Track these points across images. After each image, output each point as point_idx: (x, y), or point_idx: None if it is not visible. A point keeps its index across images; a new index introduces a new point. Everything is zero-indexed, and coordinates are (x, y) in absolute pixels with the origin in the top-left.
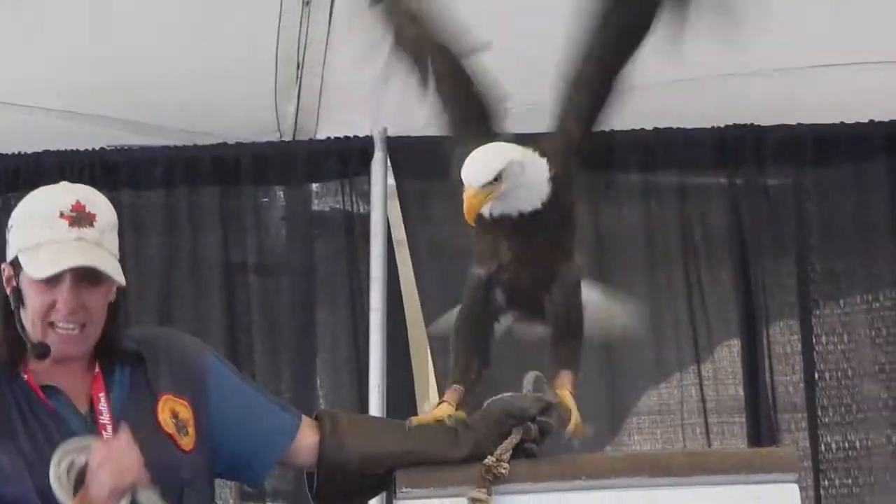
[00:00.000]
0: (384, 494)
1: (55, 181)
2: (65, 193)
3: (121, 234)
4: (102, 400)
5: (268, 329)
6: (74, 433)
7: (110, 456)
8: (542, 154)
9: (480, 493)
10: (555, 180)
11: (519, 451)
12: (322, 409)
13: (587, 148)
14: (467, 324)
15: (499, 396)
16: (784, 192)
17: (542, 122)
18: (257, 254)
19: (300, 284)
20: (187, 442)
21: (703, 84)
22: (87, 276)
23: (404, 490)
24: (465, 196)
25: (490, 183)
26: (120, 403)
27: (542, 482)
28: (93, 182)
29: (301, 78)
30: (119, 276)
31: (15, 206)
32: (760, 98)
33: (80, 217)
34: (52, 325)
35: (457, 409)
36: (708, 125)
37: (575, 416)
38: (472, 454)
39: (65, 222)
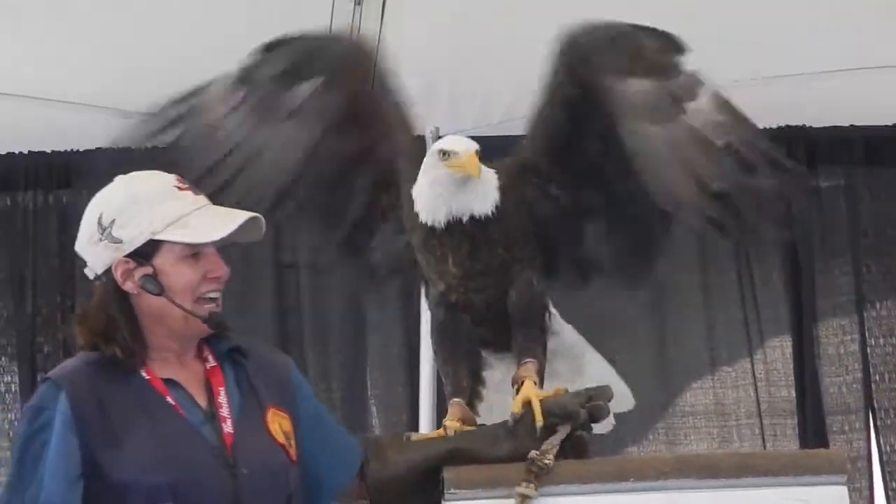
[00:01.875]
0: None
1: (108, 178)
2: (157, 174)
3: None
4: (222, 393)
5: (319, 328)
6: (195, 427)
7: None
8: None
9: (527, 489)
10: (504, 191)
11: (568, 446)
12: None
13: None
14: (443, 339)
15: (520, 415)
16: (836, 193)
17: None
18: (308, 251)
19: (351, 282)
20: (293, 454)
21: (754, 86)
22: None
23: (452, 491)
24: (465, 158)
25: (477, 152)
26: (235, 403)
27: (590, 483)
28: None
29: None
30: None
31: (68, 202)
32: (812, 100)
33: (193, 186)
34: (198, 299)
35: (462, 423)
36: (760, 126)
37: (536, 409)
38: (517, 452)
39: (188, 192)
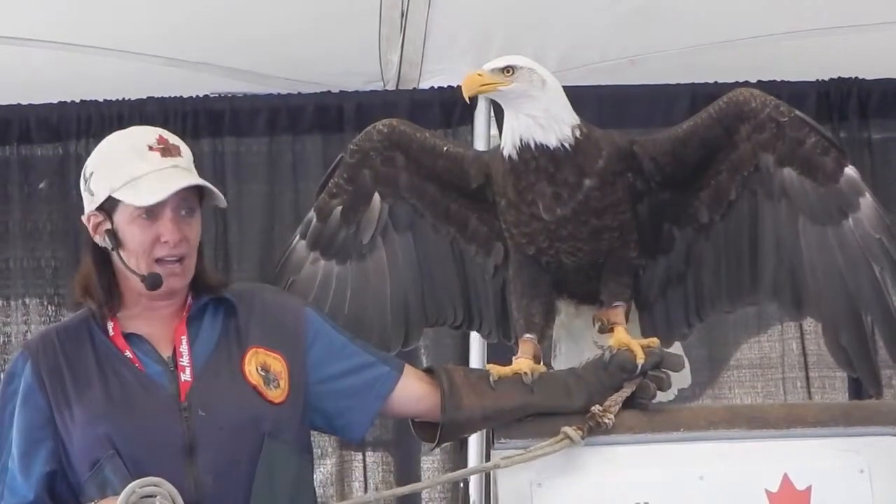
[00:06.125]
0: (482, 445)
1: (160, 126)
2: (143, 131)
3: (223, 181)
4: (184, 342)
5: None
6: (152, 377)
7: None
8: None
9: (574, 432)
10: (585, 137)
11: (630, 405)
12: (435, 366)
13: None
14: (521, 274)
15: (615, 352)
16: (888, 145)
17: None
18: None
19: None
20: (276, 395)
21: (807, 37)
22: (184, 207)
23: (503, 441)
24: (468, 75)
25: (500, 70)
26: (207, 350)
27: (641, 433)
28: (196, 129)
29: (405, 27)
30: (221, 197)
31: None
32: (865, 51)
33: (167, 148)
34: (157, 260)
35: (535, 361)
36: (812, 78)
37: (638, 350)
38: (585, 405)
39: (156, 154)
